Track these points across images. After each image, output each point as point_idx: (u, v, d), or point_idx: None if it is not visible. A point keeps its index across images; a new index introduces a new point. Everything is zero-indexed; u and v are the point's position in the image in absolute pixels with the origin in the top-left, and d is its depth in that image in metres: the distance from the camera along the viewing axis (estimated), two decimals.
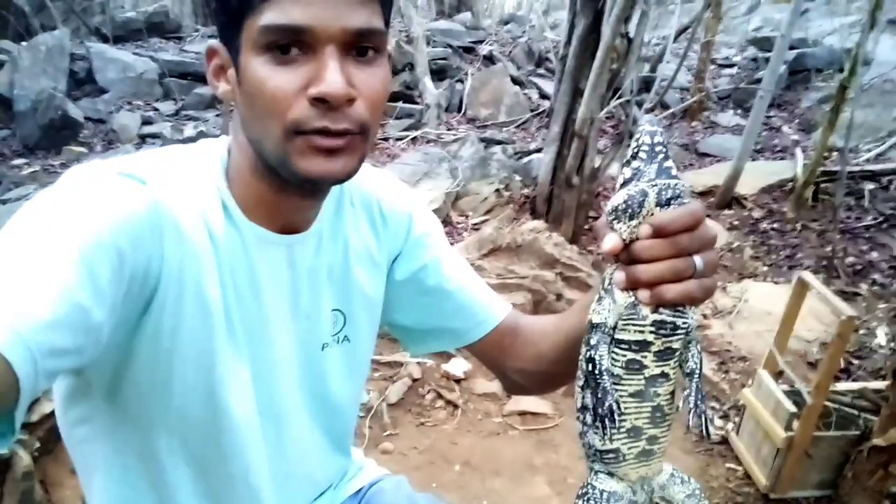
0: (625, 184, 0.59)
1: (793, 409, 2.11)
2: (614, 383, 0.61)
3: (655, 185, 0.57)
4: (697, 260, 0.58)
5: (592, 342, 0.61)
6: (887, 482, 1.98)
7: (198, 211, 0.67)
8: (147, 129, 5.25)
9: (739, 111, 6.82)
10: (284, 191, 0.70)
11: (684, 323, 0.60)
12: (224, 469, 0.76)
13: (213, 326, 0.69)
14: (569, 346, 0.77)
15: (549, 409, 2.61)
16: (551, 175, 3.90)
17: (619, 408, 0.61)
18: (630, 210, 0.57)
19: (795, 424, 2.10)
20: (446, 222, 3.99)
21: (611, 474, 0.65)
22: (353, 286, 0.82)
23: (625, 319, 0.60)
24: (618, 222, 0.58)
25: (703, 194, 4.83)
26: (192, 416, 0.71)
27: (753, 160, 5.26)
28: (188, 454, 0.74)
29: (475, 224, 3.97)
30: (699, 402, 0.61)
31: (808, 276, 2.21)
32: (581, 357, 0.62)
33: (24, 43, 5.45)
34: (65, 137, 4.97)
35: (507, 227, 3.31)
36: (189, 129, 5.30)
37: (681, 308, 0.59)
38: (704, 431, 0.62)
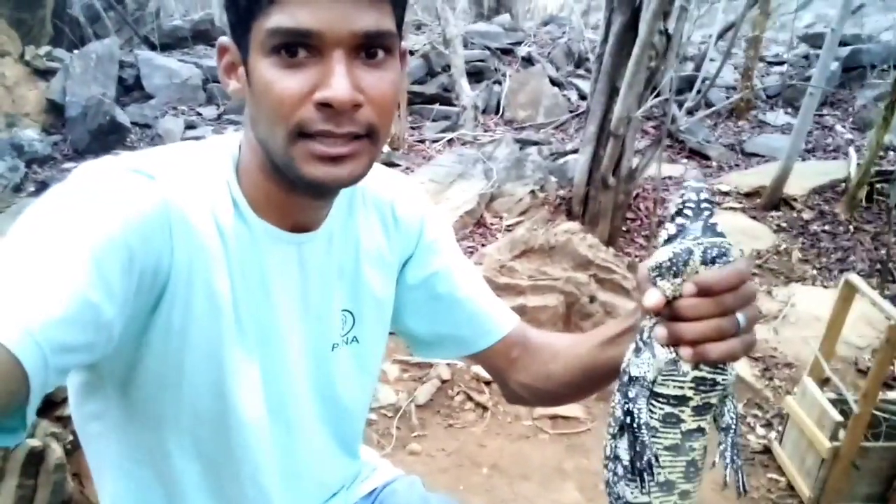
0: (669, 240, 0.58)
1: (839, 417, 2.01)
2: (651, 436, 0.61)
3: (701, 244, 0.57)
4: (741, 317, 0.58)
5: (631, 395, 0.61)
6: None
7: (208, 208, 0.67)
8: (190, 134, 5.39)
9: (790, 110, 6.58)
10: (293, 190, 0.69)
11: (724, 379, 0.60)
12: (233, 467, 0.76)
13: (223, 323, 0.69)
14: (584, 375, 0.81)
15: (581, 413, 2.54)
16: (587, 176, 3.83)
17: (657, 461, 0.61)
18: (675, 268, 0.57)
19: (842, 434, 2.00)
20: (480, 223, 3.95)
21: None
22: (363, 287, 0.82)
23: (665, 375, 0.60)
24: (661, 279, 0.58)
25: (748, 195, 4.67)
26: (202, 414, 0.71)
27: (804, 160, 5.07)
28: (198, 452, 0.74)
29: (509, 225, 3.92)
30: (735, 458, 0.62)
31: (855, 278, 2.10)
32: (615, 406, 0.63)
33: (75, 52, 5.65)
34: (113, 142, 5.14)
35: (542, 228, 3.26)
36: (230, 133, 5.41)
37: (722, 365, 0.59)
38: (741, 487, 0.62)
